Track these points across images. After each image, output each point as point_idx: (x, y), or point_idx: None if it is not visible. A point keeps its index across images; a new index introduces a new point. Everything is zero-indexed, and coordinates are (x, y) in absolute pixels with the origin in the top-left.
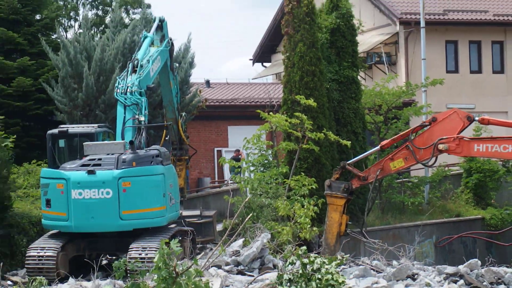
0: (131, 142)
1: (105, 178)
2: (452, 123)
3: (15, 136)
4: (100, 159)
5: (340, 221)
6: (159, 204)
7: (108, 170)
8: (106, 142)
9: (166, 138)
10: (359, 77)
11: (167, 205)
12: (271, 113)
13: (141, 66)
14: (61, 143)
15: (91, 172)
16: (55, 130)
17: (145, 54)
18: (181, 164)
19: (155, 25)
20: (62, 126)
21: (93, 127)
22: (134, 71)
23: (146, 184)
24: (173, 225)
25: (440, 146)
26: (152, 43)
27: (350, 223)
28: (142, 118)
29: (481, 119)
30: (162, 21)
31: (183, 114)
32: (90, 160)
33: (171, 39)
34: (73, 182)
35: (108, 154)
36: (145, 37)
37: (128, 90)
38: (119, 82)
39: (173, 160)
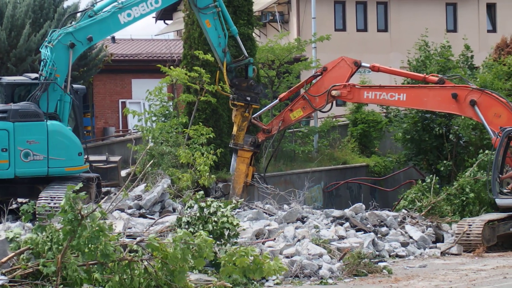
0: None
1: None
2: (341, 70)
3: None
4: None
5: (246, 172)
6: None
7: None
8: None
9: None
10: (254, 34)
11: (14, 160)
12: (172, 67)
13: (90, 16)
14: None
15: None
16: None
17: (111, 1)
18: (236, 109)
19: None
20: (27, 75)
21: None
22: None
23: None
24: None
25: (333, 93)
26: None
27: (256, 174)
28: (44, 74)
29: (372, 66)
30: None
31: (248, 58)
32: None
33: None
34: None
35: None
36: None
37: (47, 44)
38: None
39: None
